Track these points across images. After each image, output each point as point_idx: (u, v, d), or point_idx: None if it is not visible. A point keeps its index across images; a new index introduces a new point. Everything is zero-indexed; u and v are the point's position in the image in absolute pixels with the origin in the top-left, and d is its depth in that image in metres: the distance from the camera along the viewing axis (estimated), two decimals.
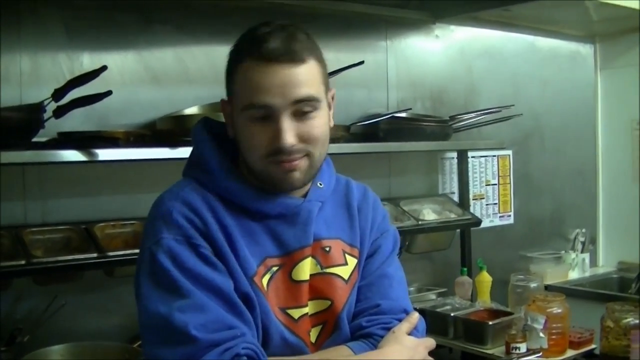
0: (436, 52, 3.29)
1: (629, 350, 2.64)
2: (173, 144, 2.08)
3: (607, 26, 3.84)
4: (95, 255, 2.02)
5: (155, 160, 2.13)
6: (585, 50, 4.02)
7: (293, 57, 1.34)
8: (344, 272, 1.49)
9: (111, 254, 2.04)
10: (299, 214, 1.44)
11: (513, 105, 3.18)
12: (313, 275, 1.44)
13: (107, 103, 1.98)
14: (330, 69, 2.52)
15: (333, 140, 2.39)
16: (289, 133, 1.33)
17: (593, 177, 4.08)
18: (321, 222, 1.49)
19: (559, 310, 2.62)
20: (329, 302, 1.46)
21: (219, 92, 2.45)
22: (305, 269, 1.43)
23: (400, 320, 1.49)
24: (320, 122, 1.38)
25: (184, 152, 2.05)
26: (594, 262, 3.97)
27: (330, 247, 1.48)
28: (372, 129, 2.83)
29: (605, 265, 4.06)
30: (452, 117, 2.99)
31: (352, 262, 1.51)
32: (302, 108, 1.34)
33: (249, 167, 1.41)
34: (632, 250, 3.82)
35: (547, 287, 3.35)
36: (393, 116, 2.85)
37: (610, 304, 2.76)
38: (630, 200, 3.94)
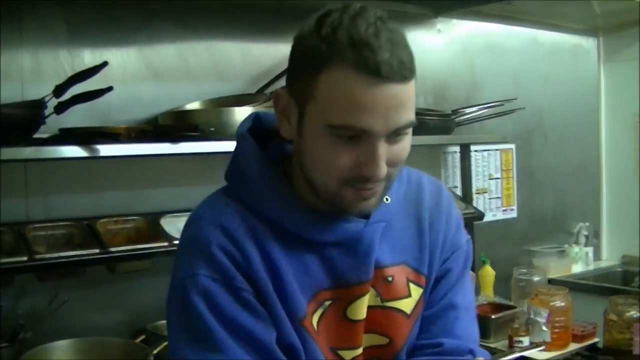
0: (438, 47, 3.27)
1: (632, 344, 2.64)
2: (174, 139, 2.08)
3: (610, 20, 3.83)
4: (97, 251, 2.01)
5: (157, 155, 2.13)
6: (588, 43, 4.01)
7: (404, 75, 1.07)
8: (407, 305, 1.28)
9: (113, 249, 2.04)
10: (359, 241, 1.23)
11: (515, 99, 3.18)
12: (371, 308, 1.24)
13: (109, 99, 1.97)
14: None
15: None
16: (383, 161, 1.10)
17: (596, 170, 4.07)
18: (385, 244, 1.27)
19: (562, 304, 2.63)
20: (387, 340, 1.27)
21: (221, 88, 2.49)
22: (363, 307, 1.23)
23: None
24: (409, 143, 1.16)
25: (186, 147, 2.06)
26: (597, 256, 3.97)
27: (393, 276, 1.26)
28: None
29: (609, 258, 4.05)
30: (455, 111, 2.98)
31: (417, 292, 1.30)
32: (398, 132, 1.10)
33: (312, 185, 1.18)
34: (636, 244, 3.81)
35: (551, 281, 3.34)
36: None
37: (614, 298, 2.76)
38: (634, 193, 3.93)
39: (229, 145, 2.08)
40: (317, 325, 1.20)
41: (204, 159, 2.23)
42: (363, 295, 1.22)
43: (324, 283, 1.21)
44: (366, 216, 1.23)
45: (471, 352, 1.31)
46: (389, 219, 1.27)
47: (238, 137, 1.26)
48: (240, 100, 2.34)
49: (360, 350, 1.25)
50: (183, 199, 2.33)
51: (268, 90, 2.45)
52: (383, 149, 1.09)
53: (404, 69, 1.06)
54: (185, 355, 1.14)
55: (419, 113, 2.97)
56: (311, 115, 1.11)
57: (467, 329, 1.34)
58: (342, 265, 1.21)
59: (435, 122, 2.89)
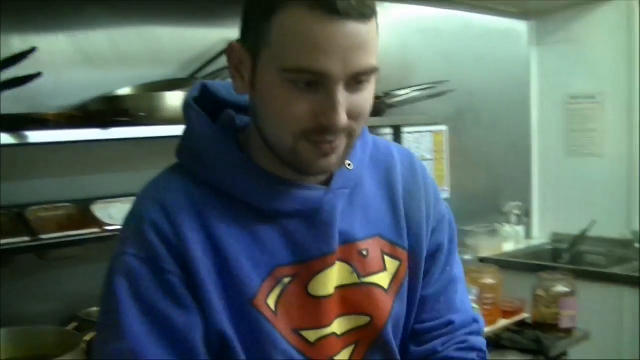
0: None
1: (558, 318, 2.73)
2: (104, 124, 2.07)
3: (542, 3, 3.90)
4: (27, 239, 1.99)
5: (87, 141, 2.11)
6: (519, 27, 4.08)
7: (364, 12, 1.01)
8: (383, 280, 1.20)
9: (44, 237, 2.01)
10: (320, 210, 1.14)
11: (448, 81, 3.23)
12: (348, 287, 1.16)
13: (38, 85, 1.94)
14: None
15: None
16: (343, 109, 1.01)
17: (527, 151, 4.17)
18: (357, 215, 1.19)
19: (491, 281, 2.70)
20: (368, 319, 1.19)
21: (153, 73, 2.47)
22: (327, 281, 1.14)
23: (472, 333, 1.30)
24: (371, 95, 1.08)
25: (116, 132, 2.04)
26: (528, 235, 4.07)
27: (367, 249, 1.19)
28: None
29: (539, 237, 4.16)
30: (386, 94, 3.02)
31: (393, 266, 1.22)
32: (359, 79, 1.03)
33: (268, 143, 1.10)
34: (566, 222, 3.93)
35: (482, 260, 3.43)
36: None
37: (542, 274, 2.86)
38: (564, 173, 4.04)
39: (161, 130, 2.09)
40: (276, 305, 1.10)
41: (136, 145, 2.22)
42: (325, 269, 1.13)
43: (282, 258, 1.11)
44: (327, 183, 1.16)
45: (475, 320, 1.32)
46: (353, 186, 1.19)
47: (184, 106, 1.18)
48: (172, 84, 2.34)
49: (328, 330, 1.14)
50: (115, 184, 2.31)
51: (200, 75, 2.45)
52: (343, 96, 1.01)
53: (363, 7, 1.00)
54: (96, 344, 1.10)
55: None
56: (265, 63, 1.04)
57: (465, 298, 1.34)
58: (301, 237, 1.12)
59: None
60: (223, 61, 2.46)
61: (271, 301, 1.10)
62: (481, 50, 3.81)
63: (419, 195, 1.27)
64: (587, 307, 3.30)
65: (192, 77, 2.45)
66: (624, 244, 3.84)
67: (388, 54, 3.34)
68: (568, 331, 2.85)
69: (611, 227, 3.85)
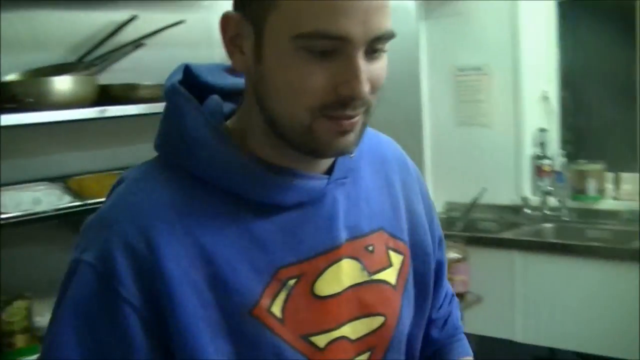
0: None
1: (451, 283, 2.84)
2: None
3: None
4: None
5: None
6: (408, 3, 4.14)
7: None
8: (391, 276, 1.11)
9: None
10: (322, 201, 1.04)
11: None
12: (360, 285, 1.06)
13: None
14: (147, 30, 2.54)
15: (154, 100, 2.39)
16: (366, 77, 0.91)
17: (419, 123, 4.26)
18: (362, 207, 1.09)
19: None
20: (382, 319, 1.08)
21: (40, 58, 2.43)
22: (333, 279, 1.03)
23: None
24: (386, 64, 0.98)
25: (4, 119, 2.02)
26: None
27: (373, 245, 1.09)
28: None
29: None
30: None
31: (398, 260, 1.13)
32: (376, 46, 0.93)
33: (276, 123, 0.96)
34: (458, 191, 4.05)
35: None
36: None
37: None
38: (455, 143, 4.16)
39: (50, 116, 2.07)
40: (282, 311, 0.98)
41: (24, 131, 2.19)
42: (331, 265, 1.03)
43: (284, 258, 0.99)
44: (326, 172, 1.05)
45: (452, 294, 1.34)
46: (354, 176, 1.10)
47: (168, 91, 1.03)
48: (60, 69, 2.31)
49: (337, 333, 1.03)
50: (4, 172, 2.27)
51: (88, 59, 2.43)
52: (363, 64, 0.91)
53: None
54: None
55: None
56: (274, 29, 0.91)
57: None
58: (303, 232, 1.01)
59: None
60: (111, 44, 2.47)
61: (276, 308, 0.98)
62: None
63: (415, 186, 1.21)
64: (480, 272, 3.44)
65: (80, 61, 2.42)
66: (514, 209, 4.00)
67: None
68: (461, 296, 2.97)
69: (501, 194, 4.00)
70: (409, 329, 1.15)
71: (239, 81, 1.06)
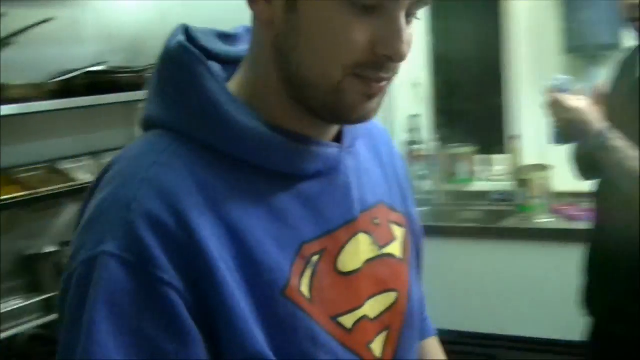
0: (130, 3, 3.28)
1: None
2: None
3: None
4: None
5: None
6: None
7: None
8: (397, 249, 1.06)
9: None
10: (337, 170, 0.97)
11: None
12: (373, 260, 1.00)
13: None
14: (15, 28, 2.48)
15: (24, 100, 2.34)
16: (406, 38, 0.86)
17: None
18: (364, 177, 1.04)
19: None
20: (395, 295, 1.03)
21: None
22: (353, 253, 0.97)
23: None
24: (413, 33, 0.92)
25: None
26: None
27: (378, 217, 1.04)
28: (67, 86, 2.79)
29: None
30: (146, 67, 3.02)
31: (400, 233, 1.08)
32: (414, 10, 0.89)
33: (301, 81, 0.88)
34: None
35: None
36: (88, 71, 2.83)
37: None
38: None
39: None
40: (310, 291, 0.90)
41: None
42: (351, 238, 0.97)
43: (308, 232, 0.92)
44: (335, 140, 0.99)
45: None
46: (355, 146, 1.04)
47: (175, 52, 0.92)
48: None
49: (362, 312, 0.96)
50: None
51: None
52: (404, 25, 0.86)
53: None
54: None
55: (112, 72, 3.00)
56: None
57: None
58: (322, 203, 0.94)
59: (128, 79, 2.92)
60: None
61: (305, 288, 0.89)
62: (246, 17, 3.84)
63: (396, 157, 1.17)
64: None
65: None
66: None
67: (149, 27, 3.32)
68: None
69: None
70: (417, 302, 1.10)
71: (233, 49, 1.01)
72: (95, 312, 0.78)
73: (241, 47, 1.01)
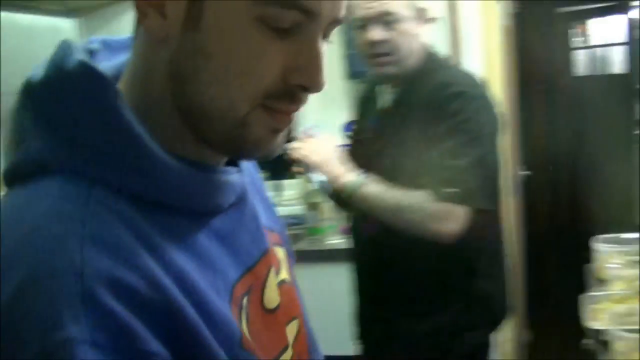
0: None
1: None
2: None
3: (84, 3, 3.96)
4: None
5: None
6: (66, 24, 4.10)
7: None
8: (286, 273, 0.96)
9: None
10: (245, 199, 0.86)
11: None
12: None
13: None
14: None
15: None
16: (323, 66, 0.76)
17: None
18: (258, 201, 0.93)
19: None
20: (297, 322, 0.94)
21: None
22: (274, 286, 0.87)
23: None
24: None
25: None
26: None
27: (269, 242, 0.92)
28: None
29: None
30: None
31: (282, 254, 0.97)
32: (330, 31, 0.78)
33: (199, 112, 0.75)
34: None
35: None
36: None
37: None
38: None
39: None
40: (251, 336, 0.79)
41: None
42: (269, 272, 0.87)
43: (232, 273, 0.80)
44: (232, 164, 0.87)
45: None
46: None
47: (74, 72, 0.74)
48: None
49: (290, 349, 0.88)
50: None
51: None
52: (322, 50, 0.76)
53: None
54: None
55: None
56: None
57: None
58: (238, 238, 0.83)
59: None
60: None
61: (247, 334, 0.79)
62: (27, 49, 3.76)
63: (256, 171, 1.04)
64: None
65: None
66: None
67: None
68: None
69: None
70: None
71: (109, 64, 0.85)
72: None
73: (117, 61, 0.86)
